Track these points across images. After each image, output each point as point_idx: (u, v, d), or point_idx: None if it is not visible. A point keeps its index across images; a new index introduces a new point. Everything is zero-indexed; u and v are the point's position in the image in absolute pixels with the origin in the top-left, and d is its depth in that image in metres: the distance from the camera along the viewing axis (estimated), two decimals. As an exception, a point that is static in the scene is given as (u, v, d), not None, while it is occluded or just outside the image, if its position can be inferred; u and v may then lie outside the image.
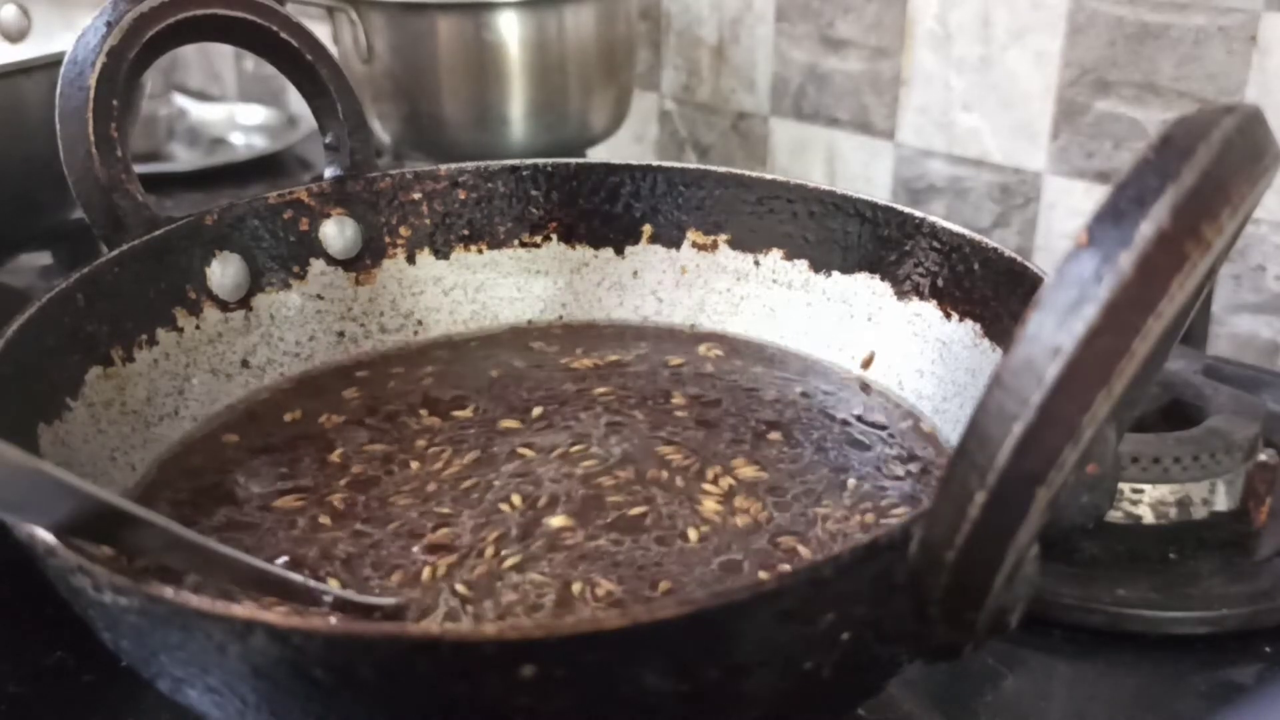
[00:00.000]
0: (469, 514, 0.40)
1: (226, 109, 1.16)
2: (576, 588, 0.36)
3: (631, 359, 0.50)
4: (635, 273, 0.54)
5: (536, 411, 0.47)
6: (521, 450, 0.44)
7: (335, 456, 0.44)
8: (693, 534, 0.39)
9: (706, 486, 0.41)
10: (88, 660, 0.42)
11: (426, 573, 0.37)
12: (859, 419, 0.45)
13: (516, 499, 0.41)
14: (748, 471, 0.42)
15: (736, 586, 0.26)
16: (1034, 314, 0.24)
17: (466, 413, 0.47)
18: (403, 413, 0.47)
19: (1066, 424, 0.25)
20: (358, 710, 0.28)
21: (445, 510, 0.40)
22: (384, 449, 0.44)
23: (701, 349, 0.51)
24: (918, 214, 0.47)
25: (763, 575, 0.36)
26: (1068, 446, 0.26)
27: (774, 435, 0.44)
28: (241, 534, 0.40)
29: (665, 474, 0.42)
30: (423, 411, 0.47)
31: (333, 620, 0.33)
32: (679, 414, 0.46)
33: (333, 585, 0.36)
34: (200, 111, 1.15)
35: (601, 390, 0.48)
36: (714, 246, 0.52)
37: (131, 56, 0.45)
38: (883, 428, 0.44)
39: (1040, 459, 0.26)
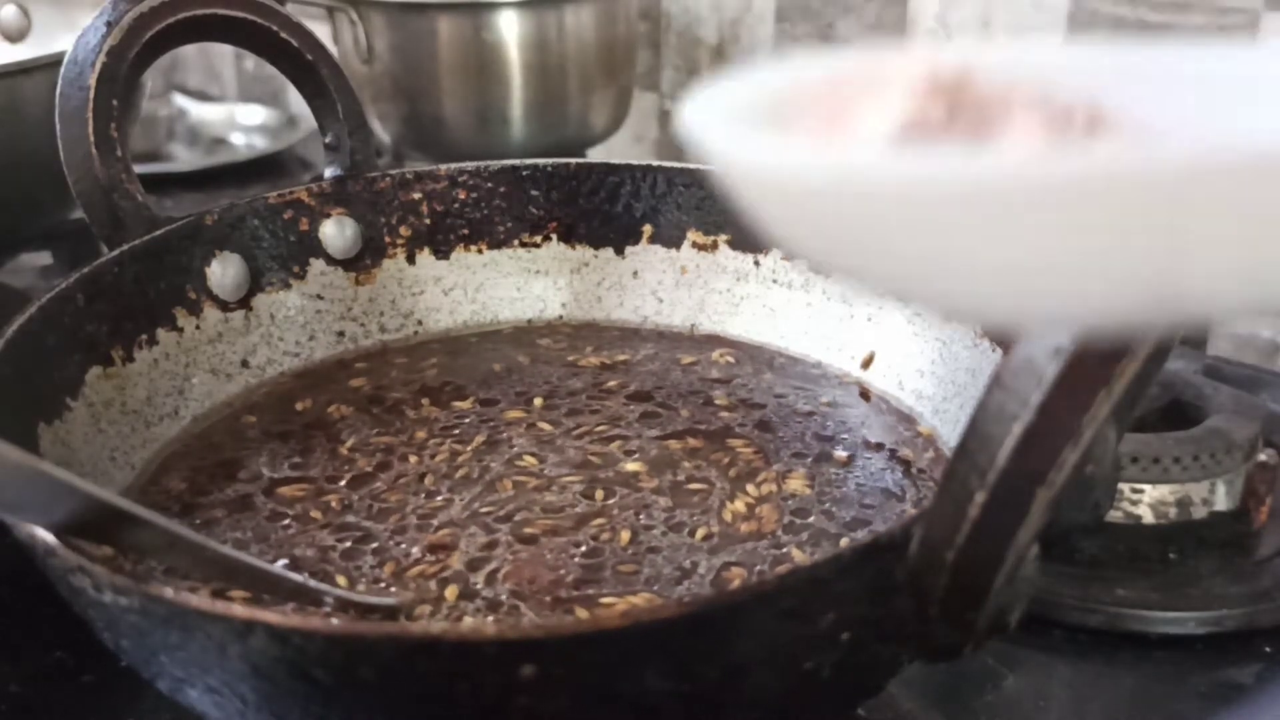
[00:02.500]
0: (470, 507, 0.40)
1: (226, 109, 1.16)
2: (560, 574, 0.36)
3: (640, 358, 0.50)
4: (635, 273, 0.54)
5: (553, 402, 0.47)
6: (541, 425, 0.45)
7: (345, 449, 0.44)
8: (701, 532, 0.39)
9: (749, 487, 0.41)
10: (88, 660, 0.42)
11: (428, 570, 0.37)
12: (893, 453, 0.44)
13: (527, 479, 0.42)
14: (795, 484, 0.41)
15: (737, 587, 0.26)
16: (1034, 314, 0.24)
17: (466, 404, 0.47)
18: (408, 404, 0.47)
19: (1067, 424, 0.25)
20: (358, 710, 0.28)
21: (440, 503, 0.40)
22: (389, 441, 0.45)
23: (714, 354, 0.50)
24: (918, 214, 0.47)
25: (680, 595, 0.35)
26: (1068, 447, 0.26)
27: (840, 454, 0.43)
28: (245, 519, 0.40)
29: (727, 459, 0.42)
30: (424, 401, 0.47)
31: (333, 620, 0.33)
32: (724, 414, 0.46)
33: (338, 583, 0.36)
34: (200, 111, 1.15)
35: (617, 383, 0.48)
36: (714, 246, 0.52)
37: (131, 56, 0.45)
38: (922, 473, 0.42)
39: (1040, 459, 0.26)
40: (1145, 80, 0.21)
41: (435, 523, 0.39)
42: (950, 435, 0.43)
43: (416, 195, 0.53)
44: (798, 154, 0.18)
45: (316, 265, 0.52)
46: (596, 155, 0.86)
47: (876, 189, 0.18)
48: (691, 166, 0.52)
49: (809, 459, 0.43)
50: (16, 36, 0.77)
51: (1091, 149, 0.18)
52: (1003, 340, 0.42)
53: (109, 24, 0.45)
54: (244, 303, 0.49)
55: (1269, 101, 0.20)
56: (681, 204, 0.53)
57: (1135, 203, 0.16)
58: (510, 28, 0.77)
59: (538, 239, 0.54)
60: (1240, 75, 0.20)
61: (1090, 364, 0.25)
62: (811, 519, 0.39)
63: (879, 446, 0.43)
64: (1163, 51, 0.21)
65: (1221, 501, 0.48)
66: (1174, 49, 0.21)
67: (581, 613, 0.34)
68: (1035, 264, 0.17)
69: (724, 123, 0.19)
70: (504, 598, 0.35)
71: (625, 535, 0.38)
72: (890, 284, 0.20)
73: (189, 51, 1.26)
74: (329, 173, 0.52)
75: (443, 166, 0.53)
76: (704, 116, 0.20)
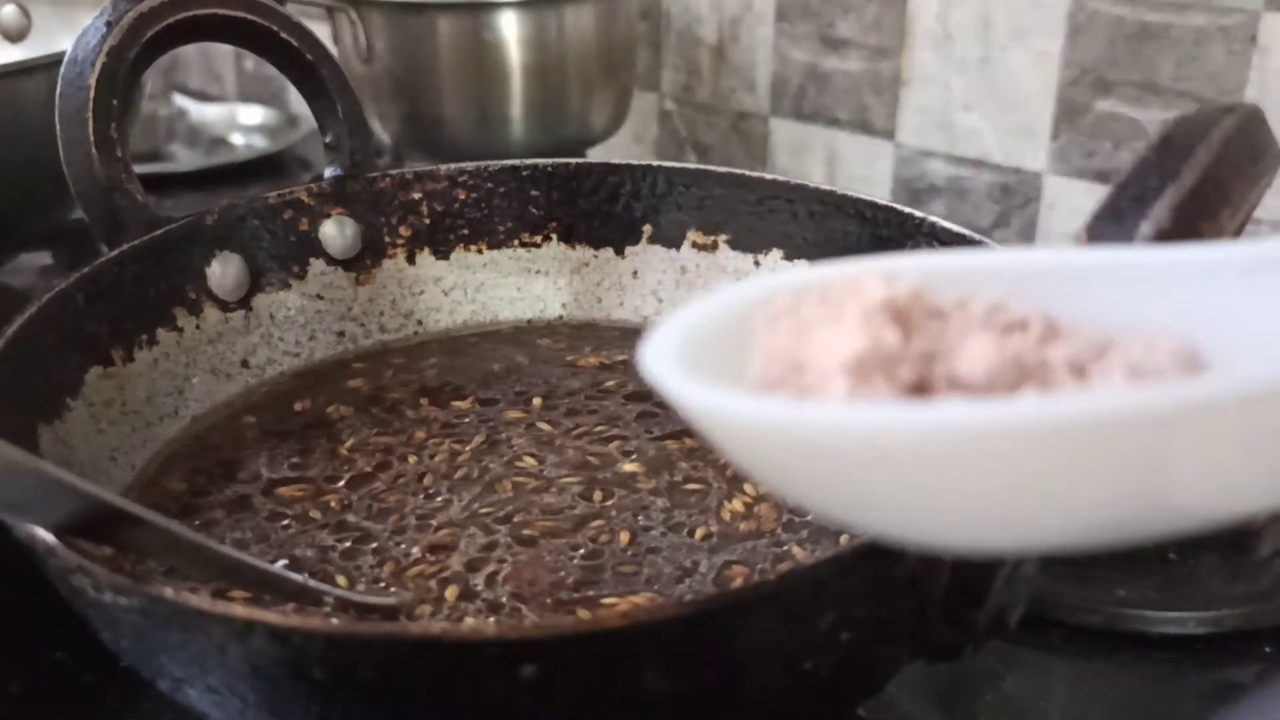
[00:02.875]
0: (469, 508, 0.40)
1: (226, 109, 1.16)
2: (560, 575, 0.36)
3: (639, 357, 0.50)
4: (635, 273, 0.54)
5: (552, 402, 0.47)
6: (540, 425, 0.45)
7: (344, 449, 0.44)
8: (700, 531, 0.38)
9: (747, 486, 0.41)
10: (88, 660, 0.42)
11: (427, 571, 0.37)
12: None
13: (526, 480, 0.42)
14: None
15: (737, 587, 0.26)
16: (1034, 314, 0.24)
17: (466, 404, 0.47)
18: (407, 404, 0.47)
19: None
20: (358, 710, 0.28)
21: (440, 504, 0.40)
22: (389, 441, 0.45)
23: None
24: (918, 214, 0.47)
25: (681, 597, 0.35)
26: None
27: None
28: (245, 519, 0.40)
29: (724, 458, 0.42)
30: (423, 401, 0.47)
31: (333, 620, 0.33)
32: None
33: (338, 584, 0.36)
34: (200, 111, 1.15)
35: (615, 383, 0.48)
36: (714, 246, 0.52)
37: (132, 56, 0.45)
38: None
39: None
40: (1097, 285, 0.21)
41: (435, 523, 0.39)
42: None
43: (416, 195, 0.53)
44: (750, 408, 0.19)
45: (316, 265, 0.52)
46: (596, 155, 0.86)
47: (827, 445, 0.18)
48: (692, 167, 0.52)
49: None
50: (16, 36, 0.77)
51: (1037, 393, 0.19)
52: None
53: (109, 24, 0.45)
54: (244, 303, 0.49)
55: (1210, 305, 0.20)
56: (681, 204, 0.53)
57: (1095, 445, 0.17)
58: (510, 28, 0.77)
59: (538, 239, 0.54)
60: (1175, 275, 0.21)
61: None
62: (810, 516, 0.39)
63: None
64: (1111, 256, 0.21)
65: (1221, 501, 0.48)
66: (1123, 253, 0.21)
67: (582, 613, 0.34)
68: (973, 506, 0.18)
69: (680, 368, 0.20)
70: (504, 599, 0.35)
71: (624, 536, 0.38)
72: (843, 516, 0.21)
73: (189, 51, 1.26)
74: (329, 173, 0.52)
75: (443, 166, 0.53)
76: (662, 359, 0.21)
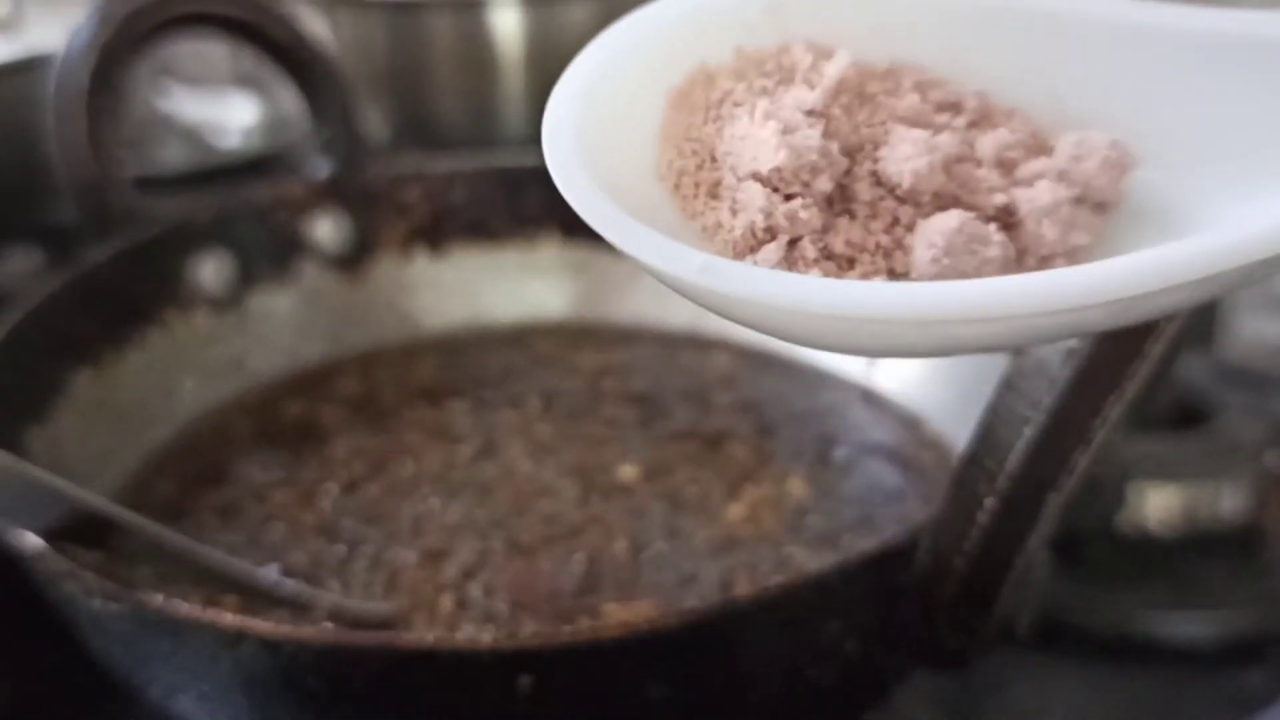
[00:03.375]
0: (465, 513, 0.39)
1: (220, 107, 1.16)
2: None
3: (639, 359, 0.50)
4: (635, 273, 0.53)
5: (550, 405, 0.46)
6: (537, 428, 0.44)
7: (338, 453, 0.43)
8: (701, 536, 0.38)
9: (748, 490, 0.40)
10: (88, 660, 0.42)
11: (422, 578, 0.36)
12: (894, 454, 0.43)
13: (523, 484, 0.41)
14: (795, 486, 0.40)
15: (739, 596, 0.26)
16: (1046, 315, 0.24)
17: (462, 406, 0.46)
18: (402, 407, 0.46)
19: (1079, 427, 0.25)
20: (351, 720, 0.27)
21: (435, 509, 0.40)
22: (383, 444, 0.44)
23: (714, 355, 0.50)
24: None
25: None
26: (1079, 450, 0.25)
27: (840, 455, 0.42)
28: (236, 523, 0.39)
29: (725, 462, 0.42)
30: (419, 403, 0.47)
31: (325, 629, 0.32)
32: (723, 416, 0.45)
33: (331, 590, 0.36)
34: (194, 110, 1.14)
35: (614, 385, 0.48)
36: (714, 246, 0.52)
37: (124, 53, 0.45)
38: (924, 473, 0.42)
39: (1052, 463, 0.25)
40: (1047, 43, 0.21)
41: (430, 529, 0.39)
42: (954, 437, 0.42)
43: (412, 193, 0.53)
44: (668, 263, 0.19)
45: (309, 265, 0.51)
46: (594, 154, 0.86)
47: (735, 303, 0.20)
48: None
49: (809, 460, 0.42)
50: (5, 30, 0.77)
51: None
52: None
53: (102, 20, 0.44)
54: (236, 303, 0.49)
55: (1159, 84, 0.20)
56: (681, 203, 0.52)
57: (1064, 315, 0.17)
58: (510, 24, 0.76)
59: (536, 238, 0.53)
60: (1137, 44, 0.20)
61: (1103, 366, 0.24)
62: (812, 521, 0.39)
63: (880, 447, 0.43)
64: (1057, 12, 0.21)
65: (1229, 505, 0.48)
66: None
67: (581, 621, 0.34)
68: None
69: (585, 162, 0.20)
70: (500, 606, 0.35)
71: (623, 541, 0.38)
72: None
73: (181, 48, 1.25)
74: (323, 171, 0.52)
75: (440, 164, 0.53)
76: (566, 154, 0.20)
